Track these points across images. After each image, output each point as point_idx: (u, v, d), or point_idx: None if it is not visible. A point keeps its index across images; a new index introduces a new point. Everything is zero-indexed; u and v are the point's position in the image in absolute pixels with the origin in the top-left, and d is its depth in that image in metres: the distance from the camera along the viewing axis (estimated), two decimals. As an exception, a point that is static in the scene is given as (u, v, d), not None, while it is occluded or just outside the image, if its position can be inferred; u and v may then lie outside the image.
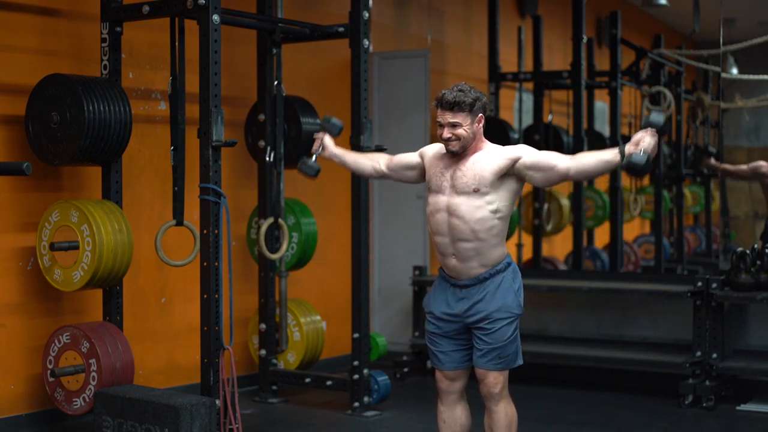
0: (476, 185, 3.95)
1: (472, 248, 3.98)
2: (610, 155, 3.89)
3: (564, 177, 3.99)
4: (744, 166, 7.32)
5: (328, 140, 4.39)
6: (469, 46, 8.90)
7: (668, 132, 4.18)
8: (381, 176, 4.35)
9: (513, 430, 4.11)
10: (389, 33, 7.88)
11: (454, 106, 3.93)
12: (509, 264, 4.07)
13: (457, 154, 4.01)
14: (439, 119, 3.98)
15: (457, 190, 3.98)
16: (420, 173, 4.21)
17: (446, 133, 3.95)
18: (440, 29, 8.46)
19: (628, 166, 3.85)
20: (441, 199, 4.03)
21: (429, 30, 8.27)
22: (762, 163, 7.12)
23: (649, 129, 3.85)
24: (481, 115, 3.99)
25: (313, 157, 4.39)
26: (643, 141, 3.83)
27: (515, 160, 3.97)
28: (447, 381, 4.15)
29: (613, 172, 8.85)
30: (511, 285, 4.04)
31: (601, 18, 10.63)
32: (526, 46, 9.28)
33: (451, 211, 3.99)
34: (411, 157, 4.25)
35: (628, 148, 3.84)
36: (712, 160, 8.89)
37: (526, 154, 3.98)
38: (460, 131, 3.94)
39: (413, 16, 8.15)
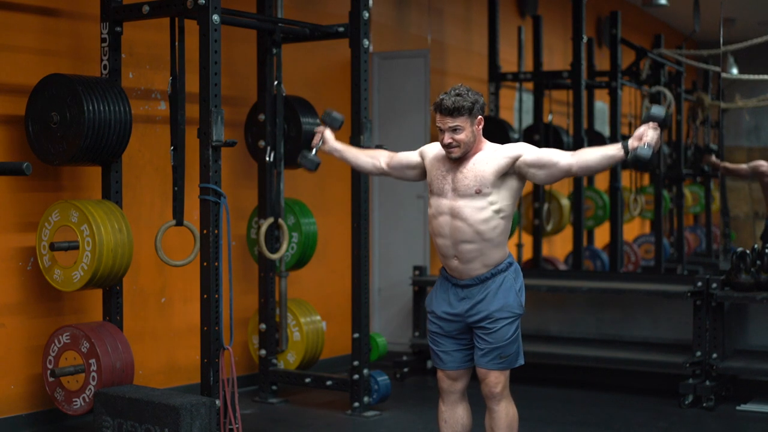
0: (478, 186, 3.94)
1: (475, 249, 3.98)
2: (614, 150, 3.87)
3: (567, 173, 3.97)
4: (744, 165, 7.33)
5: (328, 134, 4.39)
6: (469, 46, 8.90)
7: (669, 126, 4.08)
8: (381, 173, 4.35)
9: (514, 430, 4.11)
10: (389, 33, 7.88)
11: (453, 111, 3.91)
12: (511, 264, 4.07)
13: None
14: (438, 124, 3.96)
15: (459, 193, 3.97)
16: (420, 172, 4.21)
17: (447, 139, 3.94)
18: (440, 29, 8.46)
19: (634, 159, 3.83)
20: (443, 203, 4.02)
21: (429, 30, 8.27)
22: (761, 162, 7.13)
23: (651, 123, 3.83)
24: (480, 117, 3.98)
25: (313, 151, 4.38)
26: (646, 135, 3.80)
27: (515, 158, 3.96)
28: (449, 381, 4.15)
29: (613, 171, 8.89)
30: (512, 285, 4.04)
31: (601, 18, 10.63)
32: (526, 46, 9.28)
33: (454, 214, 3.99)
34: (412, 157, 4.24)
35: (632, 142, 3.82)
36: (713, 157, 8.89)
37: (527, 151, 3.97)
38: (460, 136, 3.93)
39: (413, 16, 8.15)
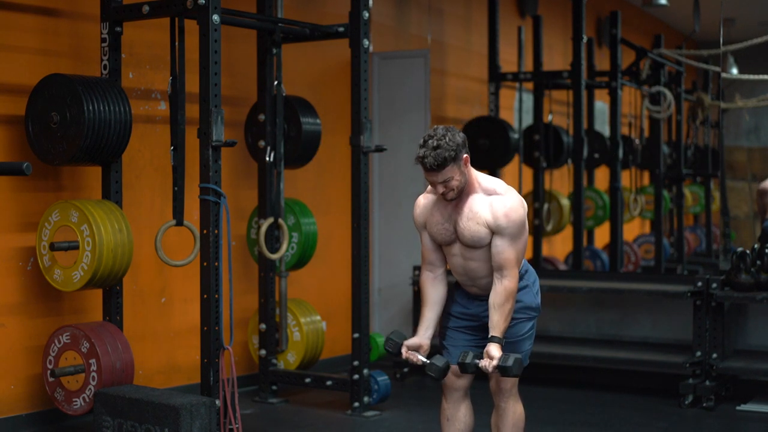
0: (478, 244, 3.94)
1: (493, 280, 4.00)
2: (491, 327, 3.85)
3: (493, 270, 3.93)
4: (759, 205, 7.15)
5: (412, 343, 4.02)
6: (469, 46, 8.90)
7: (512, 375, 3.74)
8: (446, 267, 4.16)
9: (519, 429, 4.11)
10: (389, 33, 7.88)
11: (438, 167, 3.81)
12: (527, 270, 4.08)
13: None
14: (428, 179, 3.88)
15: (464, 243, 3.97)
16: None
17: (440, 189, 3.87)
18: (440, 29, 8.46)
19: (459, 365, 3.87)
20: (454, 249, 4.01)
21: (429, 30, 8.27)
22: (762, 187, 7.05)
23: (500, 368, 3.77)
24: (466, 155, 3.87)
25: (428, 360, 3.96)
26: (488, 364, 3.78)
27: (492, 229, 3.91)
28: (453, 377, 4.14)
29: (613, 171, 8.90)
30: (530, 287, 4.07)
31: (601, 18, 10.64)
32: (526, 46, 9.28)
33: (466, 258, 3.99)
34: (424, 237, 4.11)
35: (488, 349, 3.80)
36: None
37: (499, 231, 3.87)
38: (453, 183, 3.86)
39: (413, 16, 8.15)
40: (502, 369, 3.79)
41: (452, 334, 4.16)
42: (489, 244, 3.92)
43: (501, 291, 3.87)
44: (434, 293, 4.09)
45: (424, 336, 4.03)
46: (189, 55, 5.33)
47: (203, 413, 4.76)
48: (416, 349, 4.01)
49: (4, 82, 5.27)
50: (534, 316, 4.09)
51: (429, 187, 4.03)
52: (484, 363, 3.81)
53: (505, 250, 3.88)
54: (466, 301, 4.12)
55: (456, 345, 4.13)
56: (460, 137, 3.86)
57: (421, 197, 4.10)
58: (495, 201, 3.90)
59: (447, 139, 3.80)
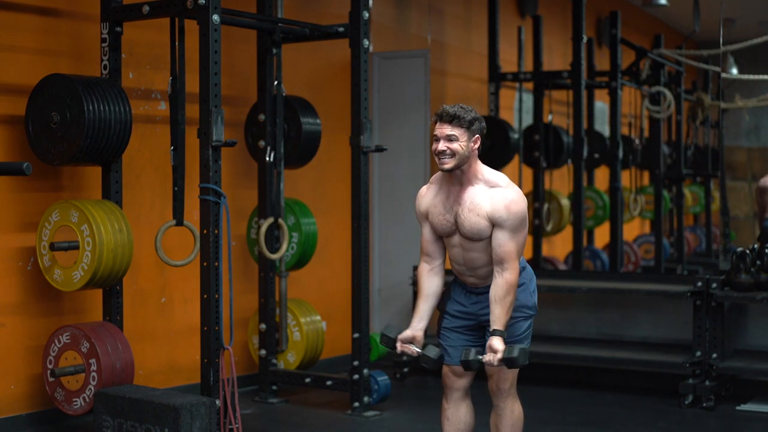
0: (478, 236, 3.95)
1: (491, 270, 4.00)
2: (492, 322, 3.86)
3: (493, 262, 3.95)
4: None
5: (408, 334, 4.05)
6: (469, 46, 8.90)
7: (518, 366, 3.72)
8: (444, 260, 4.19)
9: (518, 429, 4.12)
10: (389, 33, 7.88)
11: (453, 119, 3.90)
12: (524, 268, 4.08)
13: (451, 177, 3.96)
14: (435, 132, 3.94)
15: (463, 235, 3.98)
16: None
17: (441, 146, 3.91)
18: (440, 29, 8.46)
19: (462, 363, 3.85)
20: (453, 240, 4.03)
21: (429, 30, 8.27)
22: (762, 185, 7.04)
23: (506, 360, 3.77)
24: (477, 136, 3.95)
25: (424, 350, 3.99)
26: (492, 358, 3.79)
27: (494, 222, 3.93)
28: (453, 377, 4.15)
29: (613, 171, 8.90)
30: (526, 286, 4.08)
31: (601, 18, 10.64)
32: (526, 46, 9.28)
33: (465, 249, 4.01)
34: (424, 228, 4.14)
35: (491, 343, 3.80)
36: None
37: (500, 223, 3.90)
38: (455, 146, 3.90)
39: (413, 16, 8.15)
40: (507, 361, 3.78)
41: (449, 334, 4.16)
42: (489, 237, 3.94)
43: (502, 284, 3.89)
44: (430, 285, 4.12)
45: (417, 327, 4.06)
46: (189, 55, 5.33)
47: (203, 413, 4.76)
48: (410, 341, 4.04)
49: (4, 82, 5.27)
50: (530, 315, 4.09)
51: (432, 177, 4.09)
52: (489, 357, 3.81)
53: (505, 242, 3.90)
54: (464, 298, 4.12)
55: (454, 345, 4.13)
56: (483, 121, 4.00)
57: (424, 187, 4.13)
58: (496, 193, 3.94)
59: (472, 111, 3.97)
